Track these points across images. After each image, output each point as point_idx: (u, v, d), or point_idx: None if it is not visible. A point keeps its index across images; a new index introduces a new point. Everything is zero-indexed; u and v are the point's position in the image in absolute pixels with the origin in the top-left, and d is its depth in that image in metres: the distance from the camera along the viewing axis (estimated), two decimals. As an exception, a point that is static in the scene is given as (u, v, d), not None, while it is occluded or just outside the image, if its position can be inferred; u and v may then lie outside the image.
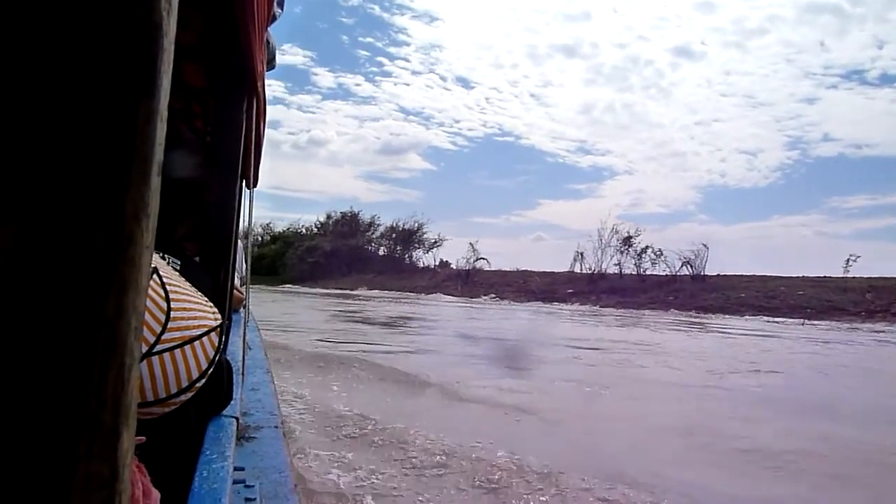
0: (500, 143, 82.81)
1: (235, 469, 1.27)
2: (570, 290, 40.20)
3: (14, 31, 0.25)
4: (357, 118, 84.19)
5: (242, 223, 2.19)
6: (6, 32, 0.25)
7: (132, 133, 0.27)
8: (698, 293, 34.58)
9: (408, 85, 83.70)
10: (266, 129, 2.88)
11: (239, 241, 2.19)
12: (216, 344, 0.96)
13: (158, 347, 0.86)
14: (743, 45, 74.45)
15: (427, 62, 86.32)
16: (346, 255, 56.53)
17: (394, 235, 60.30)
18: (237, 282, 2.91)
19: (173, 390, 0.88)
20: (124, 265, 0.27)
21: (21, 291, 0.26)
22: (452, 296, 42.29)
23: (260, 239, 66.64)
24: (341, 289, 45.57)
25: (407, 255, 59.28)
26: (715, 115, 77.40)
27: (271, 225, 68.09)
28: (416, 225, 59.47)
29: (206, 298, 1.01)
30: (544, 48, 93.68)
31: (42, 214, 0.26)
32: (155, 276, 0.88)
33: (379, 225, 62.74)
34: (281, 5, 2.21)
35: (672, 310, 31.30)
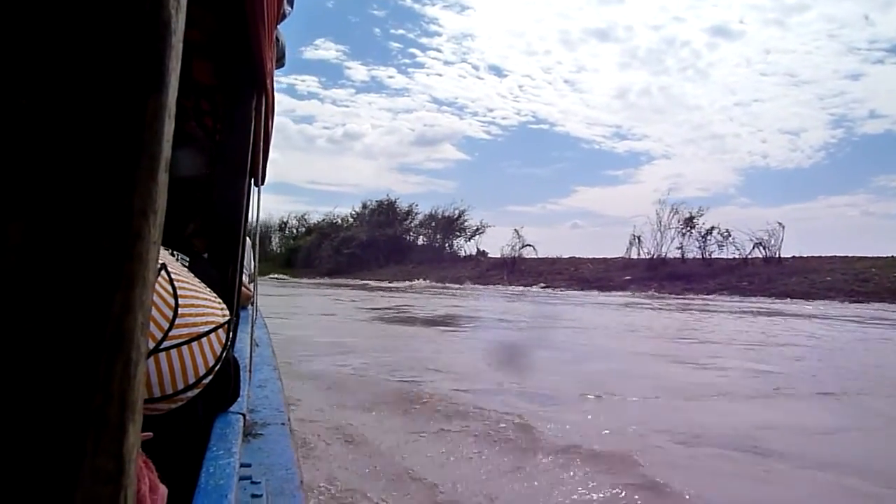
0: (535, 131, 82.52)
1: (242, 465, 1.27)
2: (627, 277, 36.66)
3: (22, 27, 0.25)
4: (391, 110, 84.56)
5: (251, 220, 2.20)
6: (14, 29, 0.25)
7: (140, 129, 0.27)
8: (776, 277, 31.57)
9: (440, 75, 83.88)
10: (273, 126, 2.89)
11: (247, 238, 2.20)
12: (224, 340, 0.96)
13: (166, 343, 0.86)
14: (783, 22, 73.01)
15: (459, 52, 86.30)
16: (383, 245, 54.11)
17: (433, 224, 57.41)
18: (245, 278, 2.92)
19: (180, 386, 0.88)
20: (132, 261, 0.27)
21: (28, 287, 0.26)
22: (499, 285, 39.35)
23: (295, 231, 64.66)
24: (380, 280, 42.51)
25: (447, 244, 56.26)
26: (755, 96, 76.50)
27: (306, 216, 66.00)
28: (457, 212, 56.11)
29: (214, 294, 1.02)
30: (577, 33, 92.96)
31: (50, 210, 0.26)
32: (163, 271, 0.89)
33: (417, 213, 59.62)
34: (291, 3, 2.22)
35: (751, 296, 28.41)
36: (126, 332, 0.27)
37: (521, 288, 37.49)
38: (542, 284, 38.81)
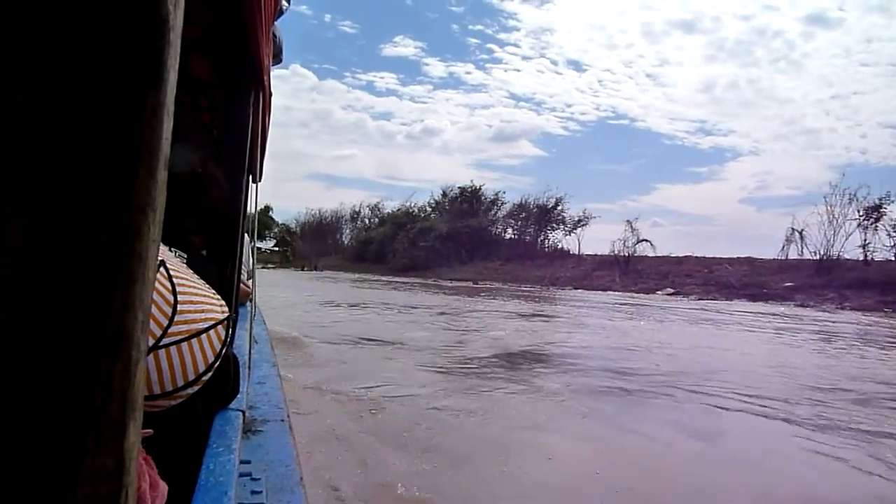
0: (614, 127, 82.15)
1: (242, 462, 1.27)
2: (788, 284, 28.82)
3: (21, 25, 0.25)
4: (468, 106, 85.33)
5: (249, 217, 2.20)
6: (13, 26, 0.25)
7: (138, 127, 0.27)
8: None
9: (518, 71, 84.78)
10: (270, 122, 2.88)
11: (246, 235, 2.20)
12: (223, 337, 0.96)
13: (165, 340, 0.86)
14: (888, 8, 68.53)
15: (538, 46, 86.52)
16: (466, 238, 46.78)
17: (522, 215, 49.00)
18: (244, 275, 2.92)
19: (180, 383, 0.88)
20: (131, 259, 0.27)
21: (29, 285, 0.26)
22: (612, 290, 31.80)
23: (367, 222, 58.96)
24: (462, 280, 36.17)
25: (542, 238, 47.95)
26: (854, 87, 71.78)
27: (380, 205, 60.04)
28: (553, 200, 47.40)
29: (213, 291, 1.02)
30: (661, 25, 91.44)
31: (49, 209, 0.26)
32: (162, 268, 0.89)
33: (503, 202, 51.56)
34: (288, -1, 2.21)
35: None
36: (126, 329, 0.27)
37: (641, 295, 29.46)
38: (669, 290, 31.67)
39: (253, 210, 2.27)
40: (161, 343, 0.86)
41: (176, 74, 0.30)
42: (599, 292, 31.07)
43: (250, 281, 3.27)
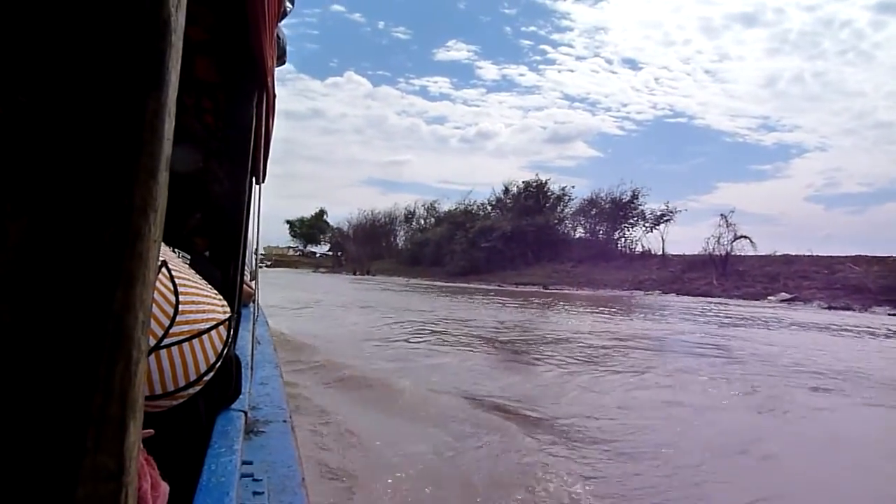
0: (672, 125, 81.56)
1: (244, 463, 1.27)
2: None
3: (23, 26, 0.25)
4: (521, 108, 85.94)
5: (252, 218, 2.20)
6: (15, 27, 0.25)
7: (140, 128, 0.27)
8: None
9: (572, 71, 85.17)
10: (274, 123, 2.89)
11: (249, 236, 2.20)
12: (225, 338, 0.97)
13: (167, 340, 0.86)
14: None
15: (591, 46, 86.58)
16: (531, 237, 41.69)
17: (594, 211, 43.89)
18: (247, 276, 2.92)
19: (181, 383, 0.88)
20: (132, 259, 0.27)
21: (30, 285, 0.26)
22: (711, 296, 27.06)
23: (423, 222, 55.61)
24: (529, 284, 32.04)
25: (618, 236, 42.47)
26: None
27: (436, 204, 56.15)
28: (630, 194, 42.07)
29: (215, 292, 1.02)
30: (720, 19, 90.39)
31: (51, 209, 0.26)
32: (164, 269, 0.89)
33: (571, 198, 46.29)
34: (292, 0, 2.21)
35: None
36: (126, 330, 0.27)
37: (750, 303, 24.35)
38: (784, 295, 25.97)
39: (256, 211, 2.27)
40: (163, 343, 0.86)
41: (178, 76, 0.30)
42: (696, 298, 26.22)
43: (253, 282, 3.28)
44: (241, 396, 1.38)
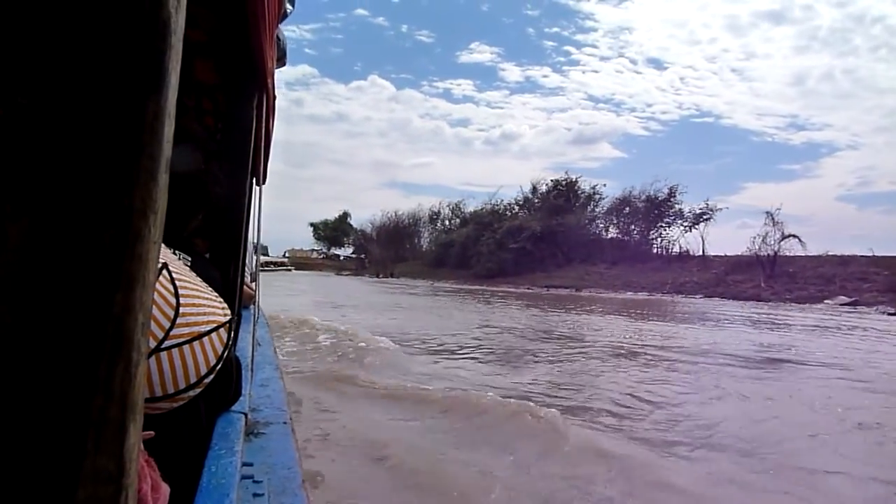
0: (698, 125, 79.80)
1: (244, 464, 1.27)
2: None
3: (22, 28, 0.25)
4: (545, 110, 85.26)
5: (253, 219, 2.20)
6: (14, 29, 0.25)
7: (140, 130, 0.27)
8: None
9: (596, 72, 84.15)
10: (274, 126, 2.89)
11: (249, 237, 2.20)
12: (225, 340, 0.96)
13: (167, 343, 0.86)
14: None
15: (616, 46, 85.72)
16: (561, 238, 39.76)
17: (626, 210, 41.70)
18: (247, 277, 2.92)
19: (182, 386, 0.88)
20: (132, 261, 0.27)
21: (30, 287, 0.26)
22: (760, 299, 25.06)
23: (448, 223, 54.05)
24: (560, 287, 30.44)
25: (653, 236, 40.27)
26: None
27: (461, 205, 54.47)
28: (666, 191, 39.73)
29: (215, 294, 1.02)
30: (747, 17, 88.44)
31: (51, 211, 0.26)
32: (164, 271, 0.89)
33: (603, 197, 44.21)
34: (292, 2, 2.21)
35: None
36: (126, 332, 0.27)
37: (804, 306, 22.35)
38: (843, 298, 24.12)
39: (256, 213, 2.27)
40: (163, 345, 0.86)
41: (178, 77, 0.30)
42: (744, 303, 24.19)
43: (254, 283, 3.28)
44: (241, 398, 1.38)
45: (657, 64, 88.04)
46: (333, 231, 72.45)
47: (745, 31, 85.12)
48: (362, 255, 61.41)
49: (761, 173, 79.03)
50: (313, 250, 74.41)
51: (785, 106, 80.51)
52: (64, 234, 0.26)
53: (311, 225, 73.99)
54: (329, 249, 73.70)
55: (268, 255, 57.84)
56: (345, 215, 72.03)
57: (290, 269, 56.59)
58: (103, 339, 0.27)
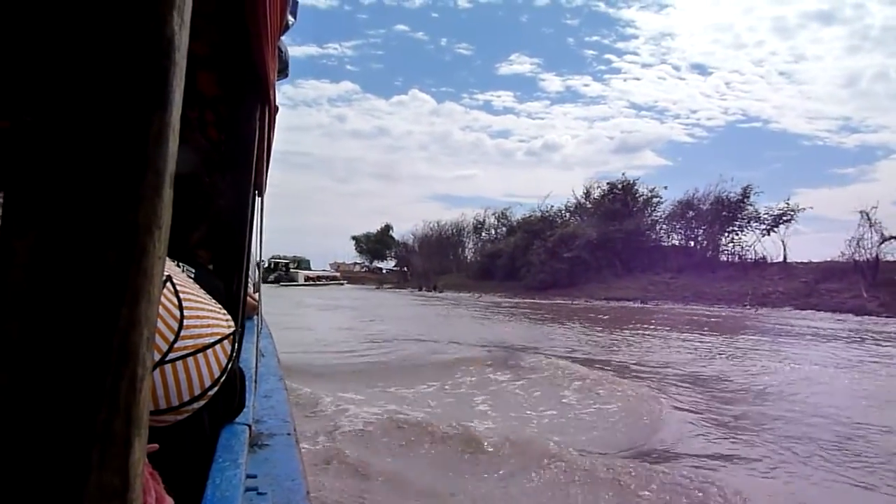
0: (745, 130, 75.96)
1: (248, 476, 1.27)
2: None
3: (26, 45, 0.26)
4: (586, 119, 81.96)
5: (255, 230, 2.21)
6: (19, 46, 0.25)
7: (144, 146, 0.27)
8: None
9: (638, 79, 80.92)
10: (274, 136, 2.91)
11: (253, 248, 2.21)
12: (229, 351, 0.97)
13: (171, 355, 0.86)
14: None
15: (658, 53, 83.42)
16: (620, 245, 36.36)
17: (689, 214, 37.31)
18: (250, 288, 2.93)
19: (186, 398, 0.88)
20: (137, 276, 0.28)
21: (36, 302, 0.26)
22: (863, 313, 21.11)
23: (494, 232, 50.95)
24: (622, 299, 27.52)
25: (725, 242, 35.78)
26: None
27: (508, 213, 51.09)
28: (739, 193, 34.99)
29: (219, 306, 1.02)
30: (794, 18, 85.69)
31: (57, 226, 0.26)
32: (168, 284, 0.89)
33: (662, 200, 39.50)
34: (294, 14, 2.23)
35: None
36: (131, 347, 0.28)
37: None
38: None
39: (258, 224, 2.28)
40: (167, 358, 0.86)
41: (182, 94, 0.30)
42: (846, 315, 20.63)
43: (257, 294, 3.28)
44: (245, 410, 1.38)
45: (701, 69, 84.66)
46: (376, 244, 72.18)
47: (794, 33, 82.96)
48: (404, 268, 59.95)
49: (813, 178, 74.87)
50: (356, 263, 74.16)
51: (837, 108, 77.86)
52: (70, 249, 0.26)
53: (354, 238, 73.79)
54: (371, 262, 73.36)
55: (310, 269, 57.42)
56: (387, 228, 71.75)
57: (342, 283, 55.67)
58: (108, 353, 0.27)
